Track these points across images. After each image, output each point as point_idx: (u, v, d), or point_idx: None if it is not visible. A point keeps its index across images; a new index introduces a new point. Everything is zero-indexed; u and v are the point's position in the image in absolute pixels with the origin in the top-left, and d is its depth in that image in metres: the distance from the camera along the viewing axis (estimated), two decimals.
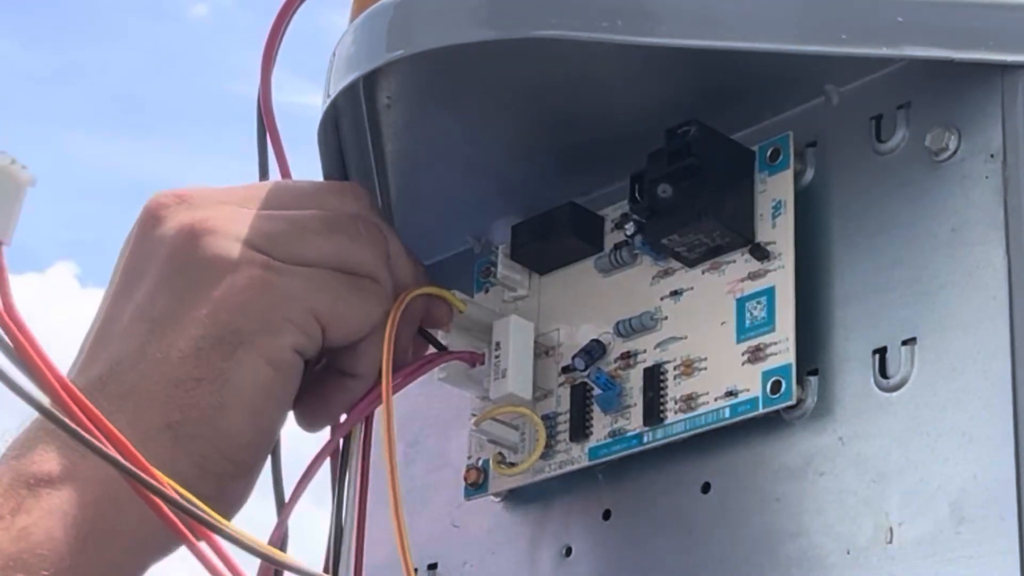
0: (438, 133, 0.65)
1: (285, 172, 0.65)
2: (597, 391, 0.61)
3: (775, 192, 0.59)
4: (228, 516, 0.58)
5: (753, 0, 0.57)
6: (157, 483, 0.47)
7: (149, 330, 0.58)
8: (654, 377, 0.60)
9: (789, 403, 0.57)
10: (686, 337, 0.60)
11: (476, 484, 0.64)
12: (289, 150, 0.66)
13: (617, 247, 0.63)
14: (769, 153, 0.60)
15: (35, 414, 0.58)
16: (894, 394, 0.55)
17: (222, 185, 0.62)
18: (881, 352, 0.56)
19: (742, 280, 0.59)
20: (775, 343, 0.57)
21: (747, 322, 0.59)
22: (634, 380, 0.61)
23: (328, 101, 0.62)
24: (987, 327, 0.54)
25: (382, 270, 0.60)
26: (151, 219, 0.60)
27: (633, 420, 0.60)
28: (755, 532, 0.57)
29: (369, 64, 0.60)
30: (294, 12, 0.66)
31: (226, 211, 0.60)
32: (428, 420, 0.69)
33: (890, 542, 0.54)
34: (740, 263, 0.59)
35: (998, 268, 0.54)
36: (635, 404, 0.61)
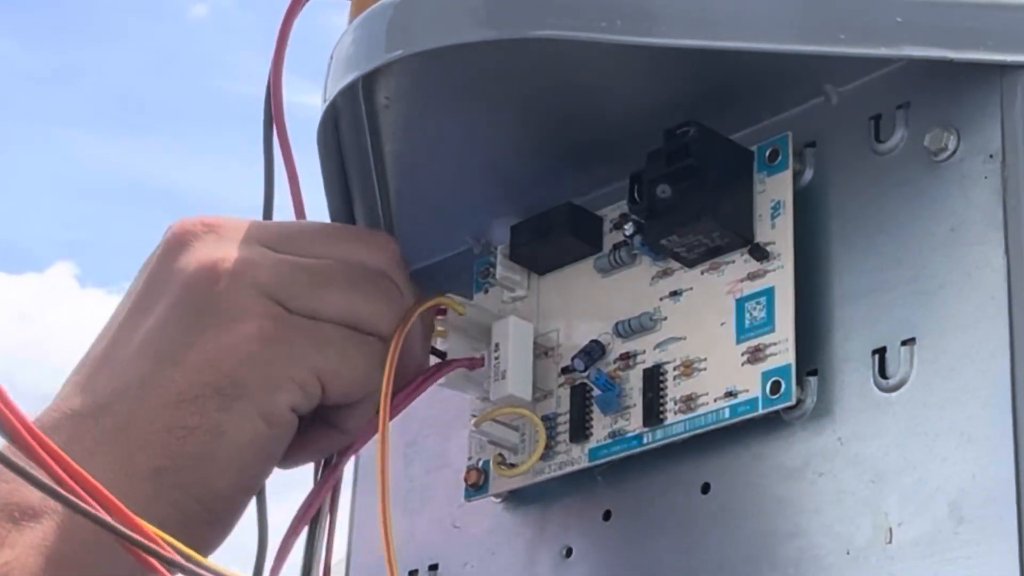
0: (437, 133, 0.65)
1: (293, 176, 0.65)
2: (597, 392, 0.61)
3: (774, 192, 0.59)
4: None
5: (752, 0, 0.57)
6: (133, 532, 0.46)
7: (152, 366, 0.58)
8: (654, 378, 0.60)
9: (789, 403, 0.57)
10: (685, 338, 0.60)
11: (476, 485, 0.64)
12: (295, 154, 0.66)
13: (616, 247, 0.63)
14: (768, 153, 0.60)
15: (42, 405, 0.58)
16: (893, 394, 0.55)
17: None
18: (880, 352, 0.56)
19: (741, 280, 0.59)
20: (774, 343, 0.57)
21: (746, 322, 0.59)
22: (634, 381, 0.61)
23: (327, 101, 0.62)
24: (986, 327, 0.54)
25: (392, 330, 0.60)
26: (177, 244, 0.60)
27: (633, 421, 0.60)
28: (755, 532, 0.57)
29: (368, 64, 0.60)
30: (303, 6, 0.66)
31: (249, 252, 0.59)
32: (428, 421, 0.69)
33: (889, 542, 0.54)
34: (739, 263, 0.59)
35: (997, 268, 0.54)
36: (635, 405, 0.61)
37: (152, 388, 0.57)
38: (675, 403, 0.59)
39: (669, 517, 0.60)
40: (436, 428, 0.68)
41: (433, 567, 0.67)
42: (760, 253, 0.59)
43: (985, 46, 0.55)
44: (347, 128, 0.64)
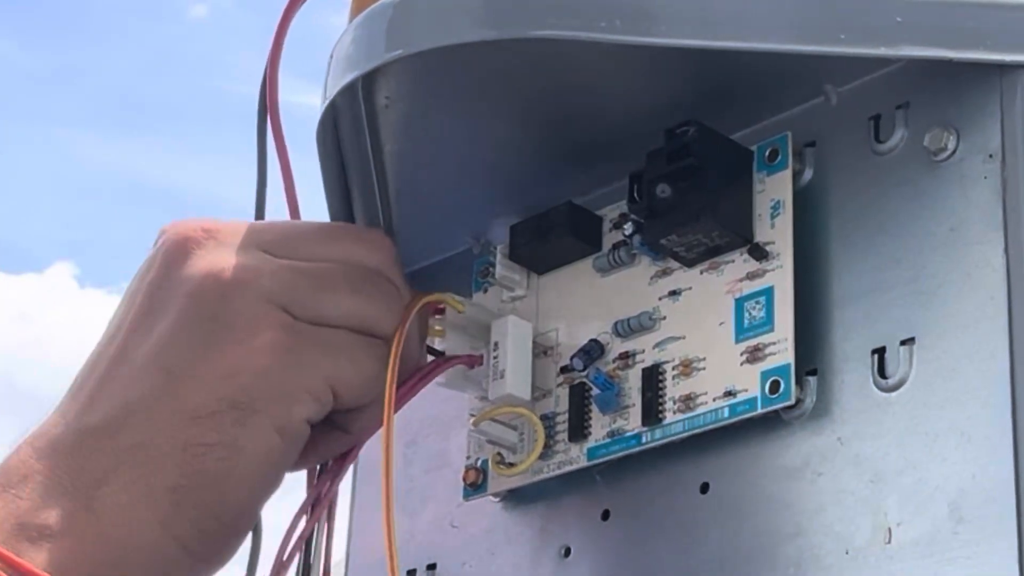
0: (437, 133, 0.65)
1: (287, 174, 0.65)
2: (596, 391, 0.61)
3: (774, 192, 0.59)
4: (216, 570, 0.58)
5: (752, 0, 0.57)
6: None
7: (164, 380, 0.57)
8: (653, 377, 0.60)
9: (788, 403, 0.57)
10: (684, 337, 0.60)
11: (475, 484, 0.64)
12: (290, 152, 0.66)
13: (616, 247, 0.63)
14: (768, 153, 0.60)
15: (26, 434, 0.57)
16: (893, 394, 0.55)
17: (223, 192, 0.62)
18: (880, 352, 0.56)
19: (741, 280, 0.59)
20: (774, 343, 0.57)
21: (746, 322, 0.59)
22: (632, 380, 0.61)
23: (327, 101, 0.62)
24: (986, 327, 0.54)
25: (394, 331, 0.60)
26: (178, 252, 0.59)
27: (632, 420, 0.60)
28: (754, 532, 0.57)
29: (368, 64, 0.60)
30: (301, 4, 0.66)
31: (253, 258, 0.59)
32: (427, 420, 0.69)
33: (889, 542, 0.54)
34: (739, 263, 0.59)
35: (997, 268, 0.54)
36: (634, 404, 0.60)
37: (167, 404, 0.57)
38: (674, 402, 0.59)
39: (668, 517, 0.60)
40: (435, 428, 0.68)
41: (431, 567, 0.67)
42: (759, 253, 0.59)
43: (985, 46, 0.55)
44: (347, 128, 0.64)
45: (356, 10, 0.62)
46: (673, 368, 0.60)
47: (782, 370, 0.57)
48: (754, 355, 0.58)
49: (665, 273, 0.61)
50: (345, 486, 0.69)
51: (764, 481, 0.58)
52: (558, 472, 0.62)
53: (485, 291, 0.66)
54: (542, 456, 0.62)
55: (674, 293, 0.61)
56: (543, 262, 0.65)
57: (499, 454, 0.63)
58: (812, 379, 0.57)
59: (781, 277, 0.58)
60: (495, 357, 0.62)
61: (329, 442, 0.61)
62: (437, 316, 0.63)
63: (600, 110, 0.63)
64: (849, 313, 0.57)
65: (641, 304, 0.62)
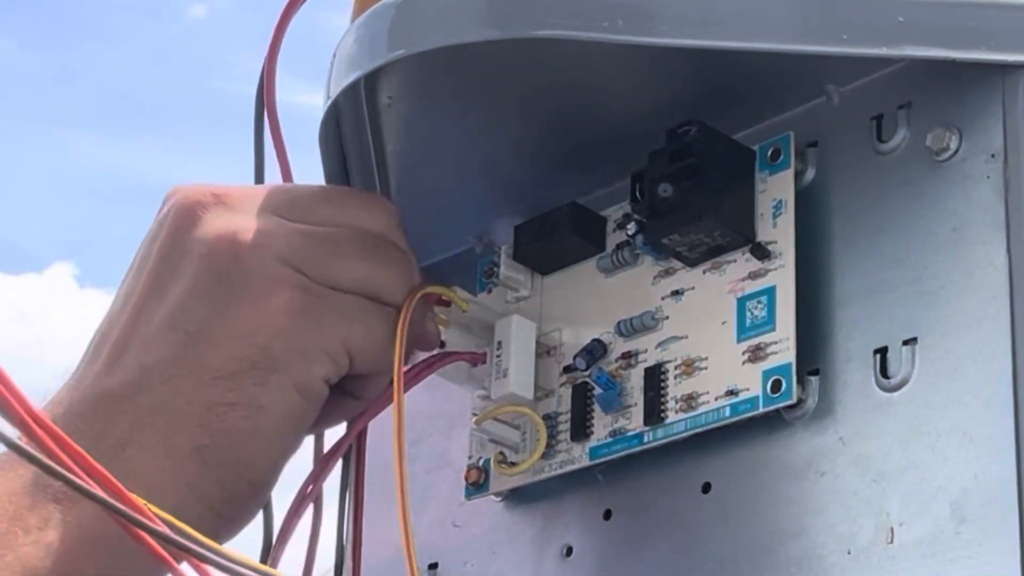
0: (439, 133, 0.65)
1: (285, 170, 0.65)
2: (598, 391, 0.61)
3: (776, 192, 0.59)
4: (238, 532, 0.58)
5: (753, 0, 0.57)
6: (143, 517, 0.45)
7: (182, 342, 0.57)
8: (655, 377, 0.60)
9: (790, 403, 0.57)
10: (687, 336, 0.60)
11: (477, 484, 0.64)
12: (288, 150, 0.66)
13: (619, 247, 0.63)
14: (770, 153, 0.60)
15: (44, 403, 0.57)
16: (895, 394, 0.55)
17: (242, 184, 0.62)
18: (882, 352, 0.56)
19: (743, 279, 0.59)
20: (775, 342, 0.57)
21: (748, 321, 0.59)
22: (635, 380, 0.61)
23: (329, 101, 0.62)
24: (988, 327, 0.54)
25: (404, 297, 0.60)
26: (188, 216, 0.59)
27: (634, 420, 0.60)
28: (756, 532, 0.57)
29: (370, 64, 0.60)
30: (298, 7, 0.66)
31: (265, 221, 0.59)
32: (429, 419, 0.69)
33: (891, 542, 0.54)
34: (741, 263, 0.59)
35: (999, 268, 0.54)
36: (636, 404, 0.61)
37: (186, 365, 0.57)
38: (676, 402, 0.59)
39: (670, 516, 0.60)
40: (437, 427, 0.68)
41: (433, 566, 0.67)
42: (761, 252, 0.59)
43: (987, 46, 0.55)
44: (349, 128, 0.64)
45: (359, 10, 0.63)
46: (675, 368, 0.60)
47: (784, 369, 0.57)
48: (756, 354, 0.58)
49: (668, 273, 0.61)
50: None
51: (766, 481, 0.58)
52: (560, 471, 0.62)
53: (489, 291, 0.66)
54: (544, 455, 0.62)
55: (676, 293, 0.61)
56: (547, 262, 0.65)
57: (501, 453, 0.63)
58: (814, 379, 0.57)
59: (783, 277, 0.58)
60: (498, 356, 0.63)
61: (341, 408, 0.61)
62: (440, 307, 0.63)
63: (602, 110, 0.63)
64: (851, 313, 0.57)
65: (644, 304, 0.62)
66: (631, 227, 0.62)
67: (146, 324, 0.58)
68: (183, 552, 0.45)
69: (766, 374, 0.57)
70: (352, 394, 0.61)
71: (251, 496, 0.58)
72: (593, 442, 0.61)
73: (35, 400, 0.55)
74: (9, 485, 0.55)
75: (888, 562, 0.53)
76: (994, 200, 0.55)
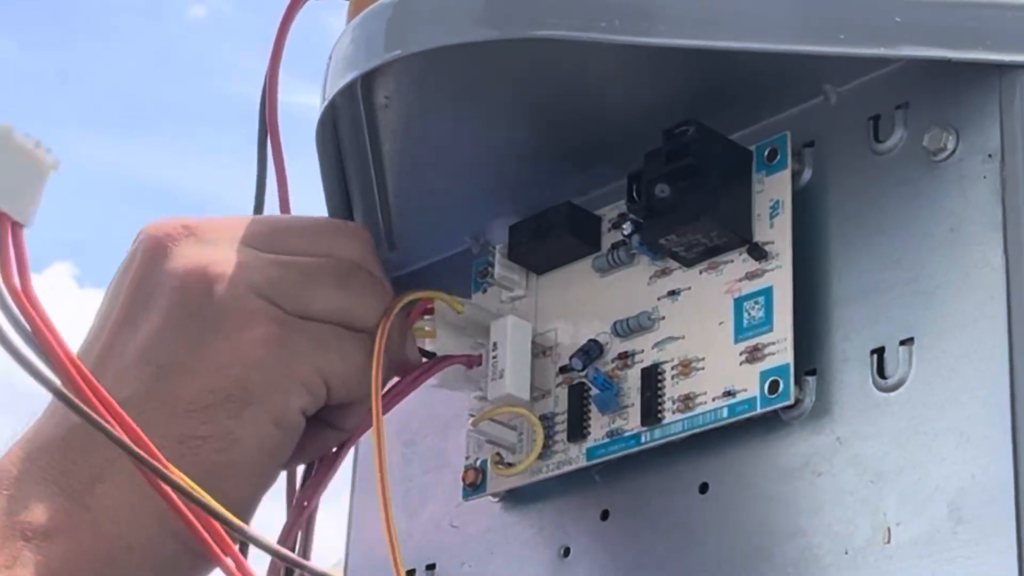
0: (436, 133, 0.65)
1: (284, 200, 0.65)
2: (595, 391, 0.61)
3: (773, 192, 0.59)
4: (212, 569, 0.57)
5: (751, 0, 0.57)
6: (170, 472, 0.46)
7: (154, 375, 0.57)
8: (652, 377, 0.60)
9: (787, 403, 0.57)
10: (684, 337, 0.60)
11: (474, 484, 0.64)
12: (287, 150, 0.66)
13: (615, 247, 0.63)
14: (767, 153, 0.60)
15: (17, 436, 0.57)
16: (892, 394, 0.55)
17: (222, 193, 0.62)
18: (879, 352, 0.56)
19: (740, 280, 0.59)
20: (773, 343, 0.57)
21: (745, 322, 0.59)
22: (632, 380, 0.61)
23: (326, 101, 0.62)
24: (985, 327, 0.53)
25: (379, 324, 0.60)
26: (158, 249, 0.59)
27: (631, 420, 0.60)
28: (753, 532, 0.57)
29: (367, 64, 0.60)
30: (298, 11, 0.66)
31: (237, 253, 0.59)
32: (426, 420, 0.69)
33: (888, 542, 0.54)
34: (738, 263, 0.59)
35: (996, 268, 0.54)
36: (633, 404, 0.60)
37: (158, 398, 0.56)
38: (673, 402, 0.59)
39: (667, 517, 0.60)
40: (434, 428, 0.68)
41: (431, 567, 0.67)
42: (758, 253, 0.59)
43: (984, 46, 0.55)
44: (346, 128, 0.64)
45: (355, 10, 0.63)
46: (672, 368, 0.60)
47: (781, 370, 0.57)
48: (753, 355, 0.58)
49: (664, 273, 0.61)
50: (343, 487, 0.69)
51: (763, 481, 0.58)
52: (557, 472, 0.62)
53: (484, 291, 0.66)
54: (541, 456, 0.62)
55: (673, 293, 0.61)
56: (542, 262, 0.65)
57: (498, 454, 0.63)
58: (811, 379, 0.57)
59: (780, 277, 0.58)
60: (494, 357, 0.62)
61: (321, 439, 0.61)
62: (427, 316, 0.63)
63: (599, 110, 0.63)
64: (848, 313, 0.57)
65: (640, 304, 0.62)
66: (627, 227, 0.62)
67: (118, 358, 0.58)
68: (209, 515, 0.46)
69: (763, 375, 0.57)
70: (332, 424, 0.60)
71: (226, 531, 0.56)
72: (590, 443, 0.61)
73: (6, 432, 0.55)
74: None
75: (885, 562, 0.53)
76: (991, 200, 0.55)
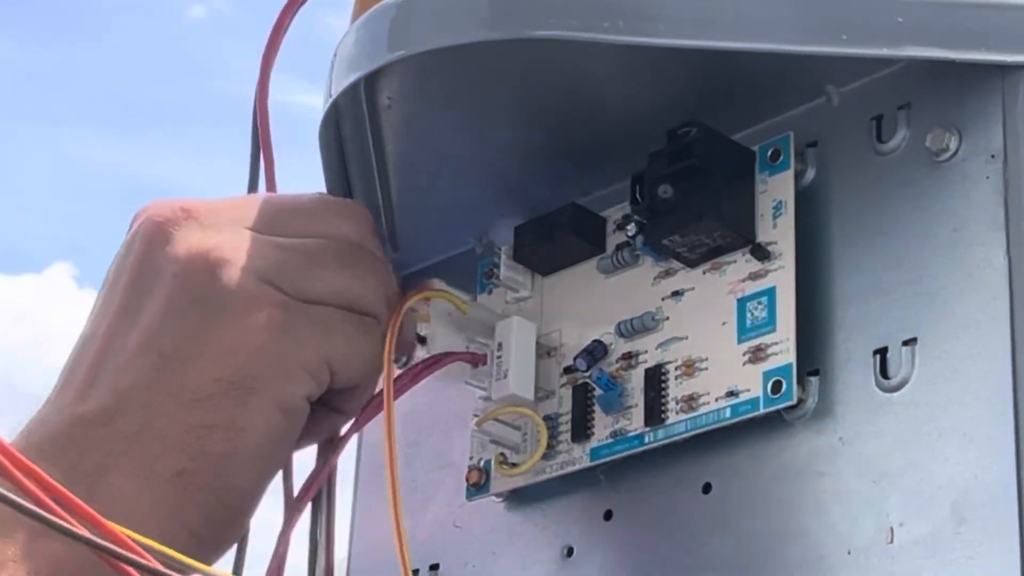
0: (439, 133, 0.65)
1: (270, 179, 0.65)
2: (598, 392, 0.61)
3: (776, 192, 0.59)
4: (219, 556, 0.57)
5: (753, 0, 0.57)
6: (137, 556, 0.44)
7: (158, 365, 0.56)
8: (655, 377, 0.60)
9: (790, 403, 0.57)
10: (687, 337, 0.60)
11: (478, 484, 0.64)
12: (287, 151, 0.66)
13: (619, 248, 0.63)
14: (770, 153, 0.60)
15: (17, 426, 0.57)
16: (895, 394, 0.55)
17: (220, 193, 0.61)
18: (882, 352, 0.56)
19: (743, 280, 0.59)
20: (776, 343, 0.57)
21: (748, 322, 0.59)
22: (635, 380, 0.61)
23: (329, 101, 0.62)
24: (988, 327, 0.54)
25: (384, 308, 0.60)
26: (158, 234, 0.58)
27: (634, 420, 0.60)
28: (756, 532, 0.57)
29: (370, 64, 0.60)
30: (292, 17, 0.66)
31: (237, 236, 0.58)
32: (430, 420, 0.69)
33: (891, 542, 0.54)
34: (741, 263, 0.59)
35: (999, 268, 0.54)
36: (636, 404, 0.61)
37: (163, 388, 0.56)
38: (676, 403, 0.59)
39: (670, 517, 0.60)
40: (438, 428, 0.68)
41: (434, 567, 0.67)
42: (761, 253, 0.59)
43: (987, 46, 0.56)
44: (349, 128, 0.65)
45: (359, 10, 0.63)
46: (676, 368, 0.60)
47: (784, 370, 0.57)
48: (756, 355, 0.58)
49: (668, 274, 0.61)
50: (347, 485, 0.70)
51: (766, 481, 0.58)
52: (561, 472, 0.62)
53: (490, 292, 0.66)
54: (545, 456, 0.62)
55: (677, 293, 0.61)
56: (547, 263, 0.65)
57: (502, 454, 0.63)
58: (814, 379, 0.57)
59: (783, 277, 0.58)
60: (499, 357, 0.63)
61: (325, 424, 0.60)
62: (424, 301, 0.62)
63: (603, 111, 0.63)
64: (851, 313, 0.57)
65: (644, 305, 0.62)
66: (631, 228, 0.62)
67: (120, 348, 0.57)
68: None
69: (766, 375, 0.57)
70: (336, 408, 0.60)
71: (233, 519, 0.57)
72: (594, 443, 0.61)
73: (6, 431, 0.54)
74: None
75: (888, 562, 0.54)
76: (994, 201, 0.55)
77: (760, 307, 0.58)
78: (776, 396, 0.57)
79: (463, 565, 0.66)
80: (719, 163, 0.59)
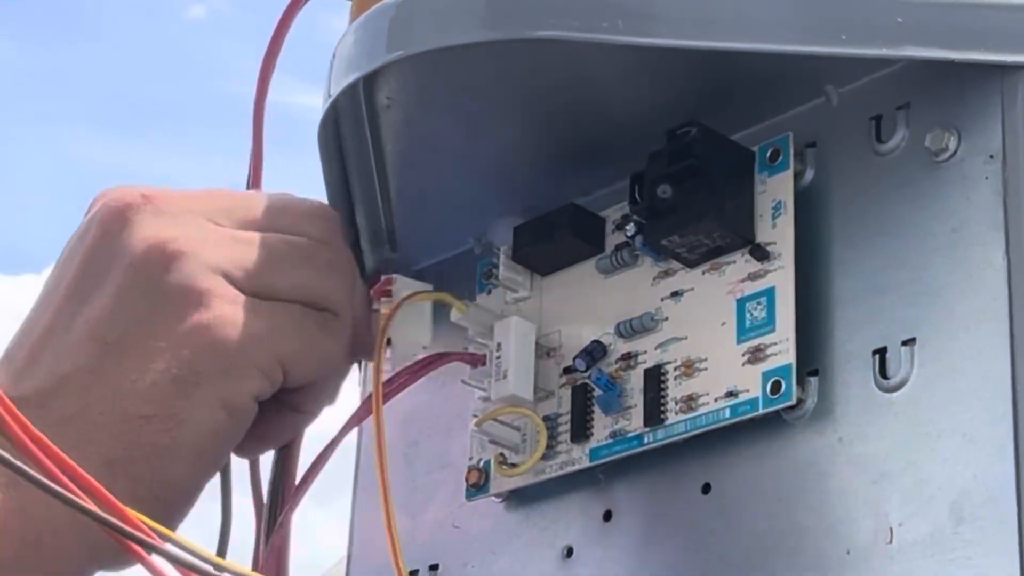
0: (438, 134, 0.65)
1: (256, 175, 0.65)
2: (598, 392, 0.61)
3: (775, 193, 0.59)
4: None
5: (753, 1, 0.57)
6: (126, 523, 0.44)
7: (101, 353, 0.55)
8: (655, 378, 0.60)
9: (789, 403, 0.57)
10: (686, 338, 0.60)
11: (477, 485, 0.64)
12: (287, 151, 0.66)
13: (618, 248, 0.63)
14: (769, 154, 0.60)
15: None
16: (894, 394, 0.55)
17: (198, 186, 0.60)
18: (881, 352, 0.56)
19: (742, 280, 0.59)
20: (775, 343, 0.57)
21: (747, 322, 0.59)
22: (635, 381, 0.61)
23: (328, 101, 0.62)
24: (987, 327, 0.54)
25: (346, 306, 0.59)
26: (116, 220, 0.57)
27: (634, 421, 0.60)
28: (755, 532, 0.57)
29: (369, 64, 0.60)
30: (292, 19, 0.66)
31: (197, 228, 0.57)
32: (429, 420, 0.69)
33: (890, 542, 0.54)
34: (740, 264, 0.59)
35: (998, 269, 0.54)
36: (636, 405, 0.61)
37: (104, 376, 0.55)
38: (676, 403, 0.59)
39: (670, 517, 0.60)
40: (437, 428, 0.68)
41: (434, 567, 0.67)
42: (761, 253, 0.59)
43: (986, 46, 0.56)
44: (348, 128, 0.65)
45: (358, 11, 0.63)
46: (675, 369, 0.60)
47: (783, 370, 0.57)
48: (755, 355, 0.58)
49: (667, 274, 0.61)
50: (346, 485, 0.70)
51: (766, 481, 0.58)
52: (560, 473, 0.62)
53: (489, 292, 0.66)
54: (544, 457, 0.62)
55: (676, 294, 0.61)
56: (546, 263, 0.65)
57: (501, 454, 0.63)
58: (813, 379, 0.57)
59: (782, 278, 0.58)
60: (498, 357, 0.63)
61: (282, 426, 0.60)
62: (384, 299, 0.62)
63: (602, 111, 0.63)
64: (850, 313, 0.57)
65: (643, 305, 0.62)
66: (630, 228, 0.62)
67: (64, 331, 0.56)
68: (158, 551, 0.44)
69: (766, 375, 0.57)
70: (293, 407, 0.59)
71: (165, 515, 0.54)
72: (593, 443, 0.61)
73: None
74: None
75: (887, 562, 0.54)
76: (993, 201, 0.55)
77: (759, 307, 0.58)
78: (775, 396, 0.57)
79: (463, 565, 0.66)
80: (718, 163, 0.59)
